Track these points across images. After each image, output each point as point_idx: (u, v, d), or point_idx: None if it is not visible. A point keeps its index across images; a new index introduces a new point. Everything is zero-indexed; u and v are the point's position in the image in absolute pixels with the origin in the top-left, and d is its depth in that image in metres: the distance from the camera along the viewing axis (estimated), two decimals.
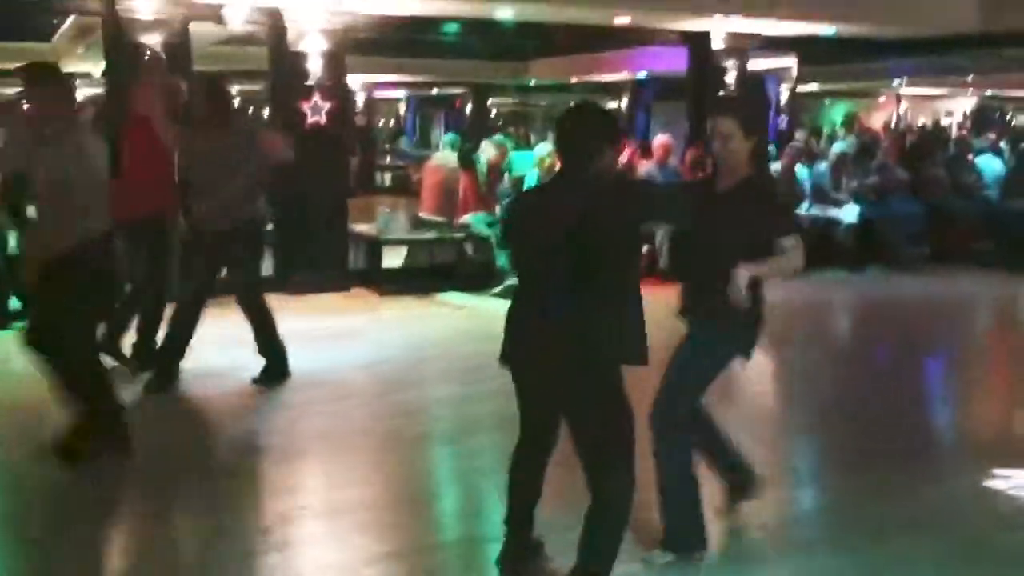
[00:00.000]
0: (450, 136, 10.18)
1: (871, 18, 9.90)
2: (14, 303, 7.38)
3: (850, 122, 17.78)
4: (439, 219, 9.38)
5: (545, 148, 9.79)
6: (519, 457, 3.47)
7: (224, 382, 6.05)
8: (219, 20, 8.35)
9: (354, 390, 5.99)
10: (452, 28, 12.91)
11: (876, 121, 19.48)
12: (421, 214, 9.69)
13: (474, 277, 9.07)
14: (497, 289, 8.82)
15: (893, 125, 18.25)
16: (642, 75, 15.58)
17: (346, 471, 4.77)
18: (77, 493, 4.38)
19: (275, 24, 8.57)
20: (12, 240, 7.71)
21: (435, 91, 22.57)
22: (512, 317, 3.32)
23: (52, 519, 4.15)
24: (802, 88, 16.83)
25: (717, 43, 10.47)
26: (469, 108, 21.06)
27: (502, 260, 8.85)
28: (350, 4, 8.56)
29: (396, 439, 5.16)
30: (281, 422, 5.48)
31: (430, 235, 9.29)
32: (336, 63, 8.81)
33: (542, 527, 3.56)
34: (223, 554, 3.80)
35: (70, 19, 10.45)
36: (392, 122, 25.93)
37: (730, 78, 10.64)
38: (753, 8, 9.44)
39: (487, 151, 9.51)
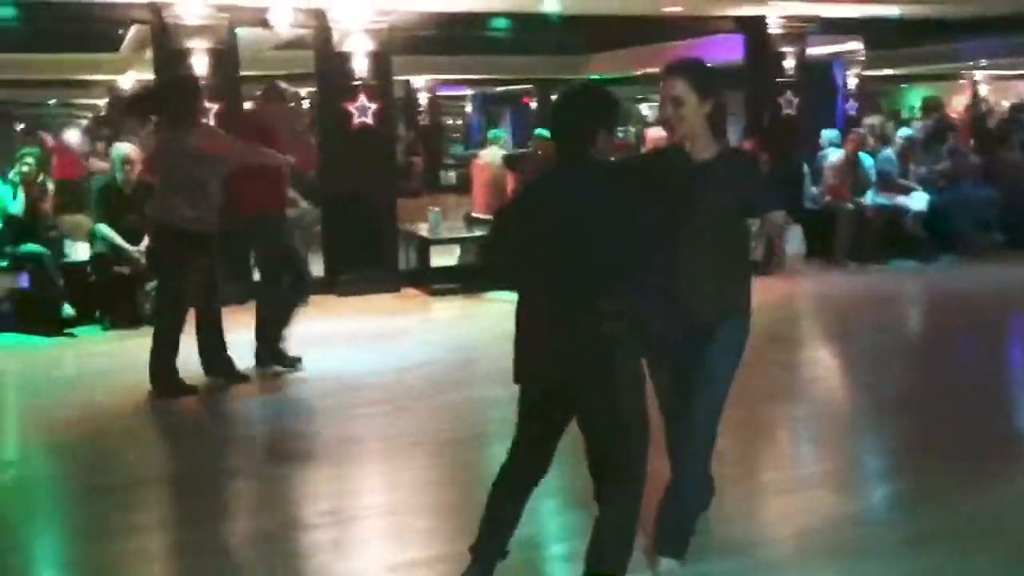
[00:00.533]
0: (495, 132, 10.07)
1: None
2: (67, 311, 7.52)
3: (928, 107, 17.17)
4: (489, 217, 9.28)
5: None
6: (508, 485, 3.15)
7: (270, 383, 6.07)
8: (265, 24, 8.38)
9: (398, 392, 5.90)
10: (512, 24, 12.82)
11: (956, 105, 18.78)
12: (473, 213, 9.62)
13: None
14: None
15: (971, 108, 17.52)
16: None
17: (379, 475, 4.71)
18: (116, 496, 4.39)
19: (320, 26, 8.58)
20: (70, 249, 7.89)
21: (499, 88, 22.53)
22: (525, 326, 3.06)
23: (85, 523, 4.17)
24: (877, 72, 16.33)
25: (774, 28, 10.14)
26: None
27: None
28: (393, 3, 8.51)
29: (439, 443, 5.04)
30: (319, 425, 5.43)
31: (479, 233, 9.19)
32: (382, 63, 8.78)
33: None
34: (260, 554, 3.77)
35: (132, 28, 10.65)
36: (459, 120, 26.00)
37: (788, 64, 10.28)
38: None
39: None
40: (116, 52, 12.71)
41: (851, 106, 13.61)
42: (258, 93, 6.57)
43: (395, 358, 6.65)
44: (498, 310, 8.35)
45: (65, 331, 7.37)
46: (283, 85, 6.31)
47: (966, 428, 5.01)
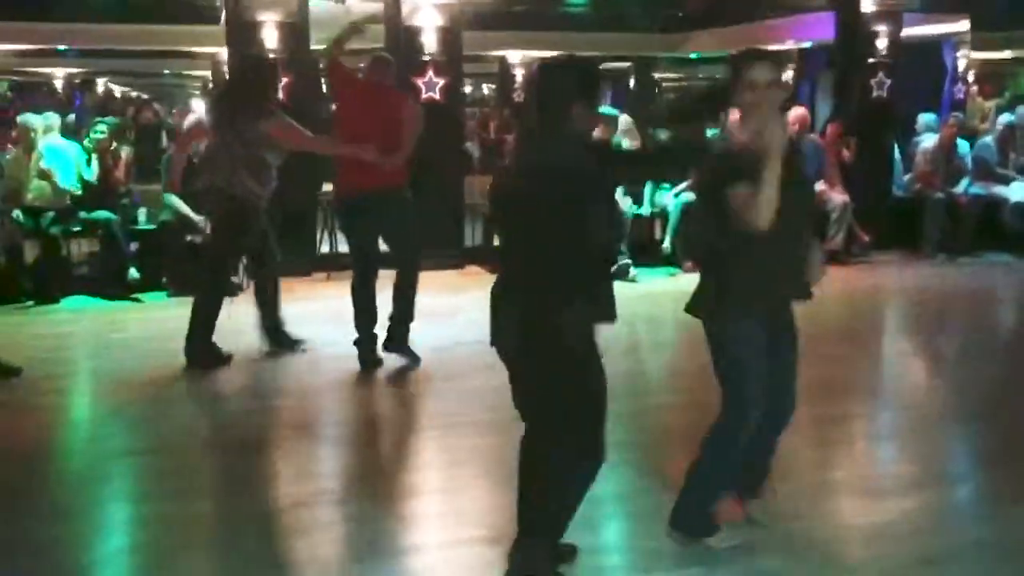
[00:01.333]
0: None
1: None
2: (133, 274, 7.75)
3: None
4: None
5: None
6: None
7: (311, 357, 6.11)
8: None
9: (422, 374, 5.87)
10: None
11: None
12: None
13: None
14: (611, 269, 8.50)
15: None
16: (807, 44, 14.70)
17: (380, 457, 4.70)
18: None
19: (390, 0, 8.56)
20: (142, 215, 8.12)
21: (600, 66, 22.21)
22: (494, 297, 3.10)
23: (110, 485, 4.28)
24: (995, 55, 15.41)
25: (867, 5, 9.64)
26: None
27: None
28: None
29: (450, 425, 5.00)
30: (340, 403, 5.45)
31: None
32: (451, 38, 8.71)
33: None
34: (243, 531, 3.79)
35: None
36: None
37: (882, 43, 9.77)
38: None
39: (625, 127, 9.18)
40: (217, 25, 12.99)
41: (959, 89, 12.89)
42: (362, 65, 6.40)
43: (436, 337, 6.60)
44: None
45: (132, 295, 7.60)
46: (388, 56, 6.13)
47: None
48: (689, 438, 3.58)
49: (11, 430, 4.91)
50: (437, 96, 8.74)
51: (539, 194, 2.89)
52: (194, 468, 4.46)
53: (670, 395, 5.66)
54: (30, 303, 7.39)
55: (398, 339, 5.87)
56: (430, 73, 8.70)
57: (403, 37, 8.62)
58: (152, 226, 7.93)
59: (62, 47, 15.73)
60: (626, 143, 9.31)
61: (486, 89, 23.24)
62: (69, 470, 4.52)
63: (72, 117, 11.16)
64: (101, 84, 21.42)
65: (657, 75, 21.80)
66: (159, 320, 7.16)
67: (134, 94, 22.90)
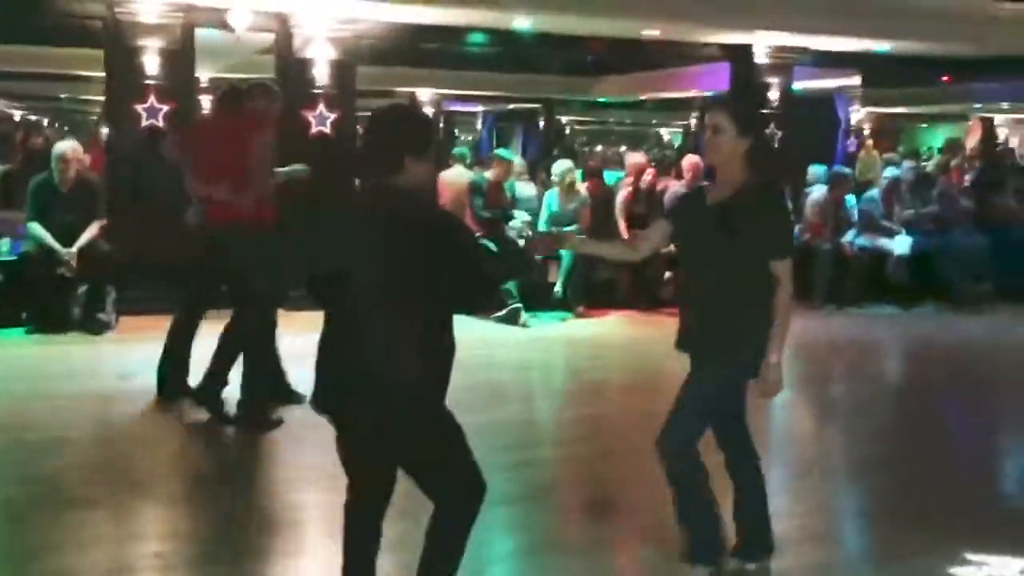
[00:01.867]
0: (460, 150, 9.75)
1: (927, 35, 9.09)
2: None
3: (950, 147, 16.68)
4: None
5: (563, 165, 9.30)
6: (358, 521, 3.00)
7: None
8: (225, 26, 8.15)
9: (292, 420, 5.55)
10: (522, 40, 12.53)
11: (969, 144, 18.30)
12: None
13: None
14: (500, 314, 8.35)
15: (982, 149, 17.03)
16: (710, 93, 14.96)
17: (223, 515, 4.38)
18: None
19: (282, 31, 8.34)
20: (4, 246, 7.64)
21: (511, 106, 22.27)
22: (325, 354, 2.88)
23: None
24: (889, 110, 15.92)
25: (760, 58, 9.79)
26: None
27: (509, 283, 8.38)
28: (358, 11, 8.26)
29: (301, 479, 4.72)
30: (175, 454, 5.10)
31: None
32: (344, 72, 8.52)
33: None
34: None
35: None
36: (470, 136, 25.76)
37: (774, 95, 9.92)
38: (794, 20, 8.77)
39: (558, 169, 9.10)
40: None
41: (852, 142, 13.23)
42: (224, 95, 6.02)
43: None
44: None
45: None
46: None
47: (933, 492, 4.70)
48: (581, 489, 3.42)
49: None
50: (327, 130, 8.51)
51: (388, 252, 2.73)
52: (29, 524, 4.10)
53: (562, 447, 5.51)
54: None
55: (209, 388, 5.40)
56: (321, 107, 8.48)
57: (294, 69, 8.39)
58: (12, 258, 7.47)
59: None
60: (519, 186, 9.24)
61: None
62: None
63: None
64: None
65: (566, 118, 21.96)
66: (9, 358, 6.73)
67: (33, 117, 22.11)
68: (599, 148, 21.67)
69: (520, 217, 8.73)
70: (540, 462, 5.10)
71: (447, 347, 2.87)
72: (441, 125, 24.16)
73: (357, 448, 2.92)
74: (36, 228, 7.31)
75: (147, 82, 7.91)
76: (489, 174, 8.74)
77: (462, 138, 25.25)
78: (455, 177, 9.27)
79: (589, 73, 17.35)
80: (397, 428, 2.82)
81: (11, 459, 4.89)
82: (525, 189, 9.36)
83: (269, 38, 8.42)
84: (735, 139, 3.22)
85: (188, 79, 8.14)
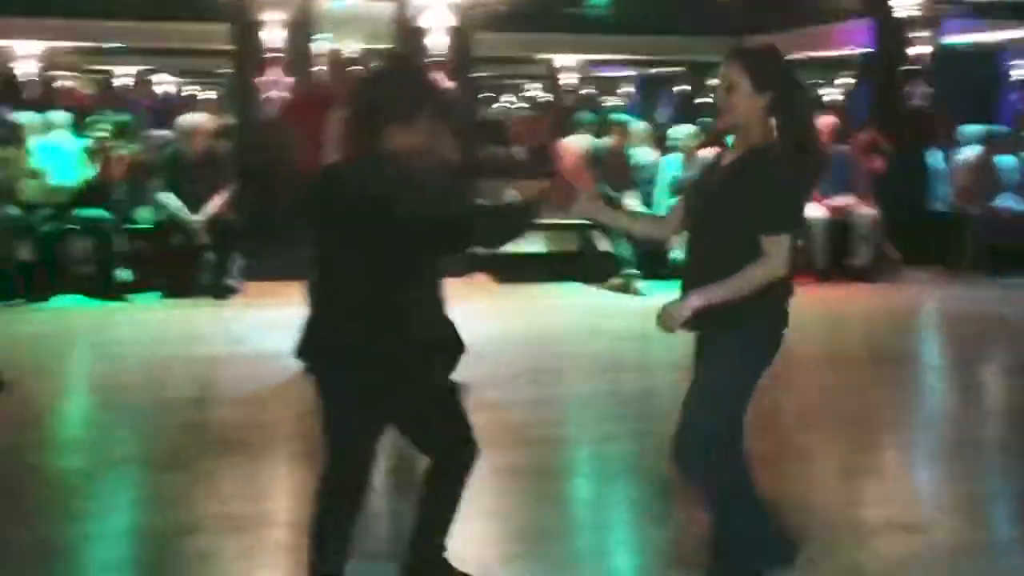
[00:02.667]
0: (583, 116, 9.54)
1: None
2: (125, 274, 7.69)
3: None
4: None
5: (685, 130, 8.99)
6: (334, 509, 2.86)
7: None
8: None
9: None
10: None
11: None
12: None
13: (598, 267, 8.48)
14: (614, 282, 8.18)
15: None
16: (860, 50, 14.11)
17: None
18: None
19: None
20: (145, 215, 8.04)
21: (654, 70, 21.78)
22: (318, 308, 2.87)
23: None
24: None
25: (901, 11, 9.12)
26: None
27: (620, 249, 8.20)
28: None
29: None
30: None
31: (555, 220, 8.76)
32: (463, 39, 8.48)
33: None
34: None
35: None
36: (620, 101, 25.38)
37: (919, 50, 9.23)
38: None
39: (678, 133, 8.87)
40: None
41: (1018, 99, 12.18)
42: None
43: None
44: (550, 304, 8.00)
45: (122, 296, 7.53)
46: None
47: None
48: None
49: None
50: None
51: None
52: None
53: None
54: (21, 301, 7.36)
55: None
56: (439, 76, 8.46)
57: (411, 37, 8.41)
58: (148, 226, 7.86)
59: (119, 45, 15.92)
60: (642, 152, 8.98)
61: (540, 92, 23.00)
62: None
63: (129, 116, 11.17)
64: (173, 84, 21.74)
65: (712, 81, 21.26)
66: (140, 323, 7.08)
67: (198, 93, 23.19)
68: None
69: (629, 197, 8.44)
70: (657, 434, 4.92)
71: (431, 299, 2.79)
72: (591, 91, 23.97)
73: (346, 406, 2.80)
74: (167, 197, 7.66)
75: (269, 55, 8.09)
76: (607, 140, 8.53)
77: (609, 104, 24.96)
78: (575, 144, 9.11)
79: (734, 33, 16.73)
80: (395, 378, 2.76)
81: (137, 417, 5.15)
82: (648, 155, 9.09)
83: (389, 7, 8.46)
84: (751, 96, 2.84)
85: (308, 50, 8.28)
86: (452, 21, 8.46)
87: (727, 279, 2.81)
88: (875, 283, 8.67)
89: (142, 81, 19.19)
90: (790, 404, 5.31)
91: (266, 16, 8.15)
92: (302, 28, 8.26)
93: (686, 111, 19.29)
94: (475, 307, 6.64)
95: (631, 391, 5.65)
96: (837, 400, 5.53)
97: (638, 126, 9.26)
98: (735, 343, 2.92)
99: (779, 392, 5.59)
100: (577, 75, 20.12)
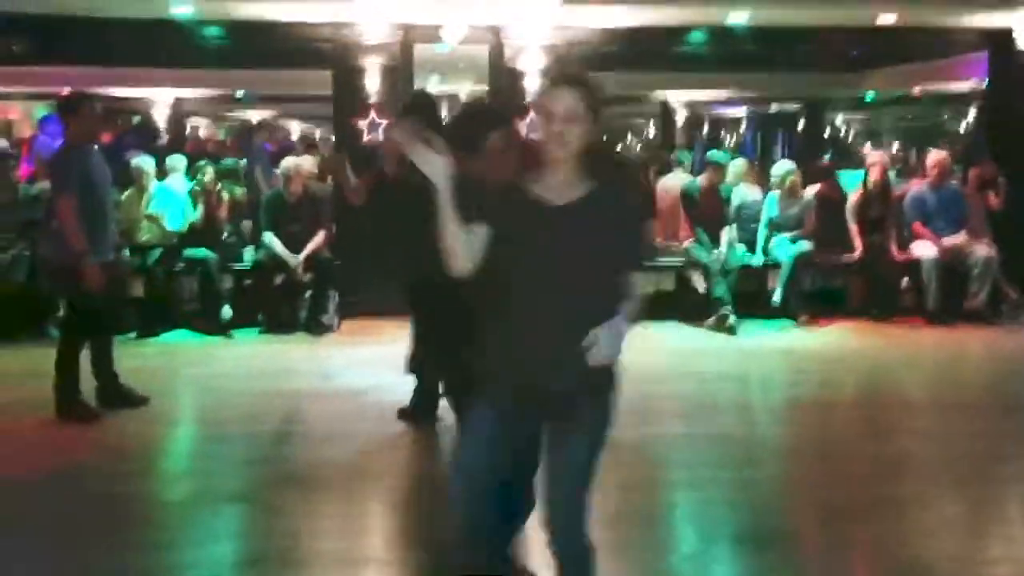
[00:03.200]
0: (681, 154, 9.42)
1: None
2: (227, 312, 7.98)
3: None
4: (672, 244, 8.71)
5: (784, 167, 8.78)
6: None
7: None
8: (440, 41, 8.43)
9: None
10: (779, 37, 11.99)
11: None
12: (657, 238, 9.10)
13: (694, 308, 8.32)
14: (710, 322, 8.00)
15: None
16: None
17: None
18: None
19: (494, 42, 8.50)
20: (248, 254, 8.34)
21: (772, 107, 21.40)
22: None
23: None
24: None
25: None
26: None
27: (720, 290, 8.02)
28: (570, 19, 8.25)
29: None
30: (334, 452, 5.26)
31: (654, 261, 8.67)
32: None
33: None
34: None
35: None
36: (734, 140, 25.04)
37: None
38: None
39: (778, 170, 8.71)
40: None
41: None
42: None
43: None
44: (645, 343, 7.82)
45: (225, 332, 7.82)
46: None
47: None
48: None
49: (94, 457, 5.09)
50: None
51: None
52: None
53: (778, 465, 5.18)
54: (133, 336, 7.72)
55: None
56: (532, 116, 8.53)
57: (505, 80, 8.52)
58: (247, 265, 8.15)
59: (243, 92, 16.73)
60: (741, 190, 8.81)
61: (652, 131, 22.92)
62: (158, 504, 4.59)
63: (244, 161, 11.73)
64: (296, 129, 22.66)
65: (838, 116, 20.75)
66: (239, 358, 7.31)
67: (316, 134, 24.07)
68: (868, 147, 20.26)
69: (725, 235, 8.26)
70: (757, 481, 4.79)
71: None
72: (706, 129, 23.76)
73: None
74: (268, 237, 7.93)
75: (368, 99, 8.33)
76: (702, 179, 8.41)
77: (727, 142, 24.62)
78: (674, 181, 9.01)
79: (854, 68, 16.30)
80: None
81: (238, 448, 5.32)
82: (748, 193, 8.91)
83: (483, 50, 8.60)
84: (589, 125, 2.64)
85: (407, 95, 8.46)
86: (545, 63, 8.52)
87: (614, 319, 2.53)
88: (993, 325, 8.24)
89: (266, 126, 20.11)
90: (909, 453, 5.17)
91: (367, 62, 8.38)
92: (401, 72, 8.45)
93: (803, 148, 18.92)
94: None
95: (726, 434, 5.51)
96: (956, 448, 5.27)
97: (737, 164, 9.09)
98: (612, 404, 2.73)
99: (897, 440, 5.43)
100: (691, 113, 20.00)
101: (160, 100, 15.90)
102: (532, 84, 8.51)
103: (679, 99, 19.10)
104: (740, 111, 22.65)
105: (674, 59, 14.02)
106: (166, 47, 10.25)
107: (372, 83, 8.39)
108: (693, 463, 5.08)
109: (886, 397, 6.48)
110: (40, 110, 18.50)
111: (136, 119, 18.22)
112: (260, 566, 3.80)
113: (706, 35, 9.39)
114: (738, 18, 8.45)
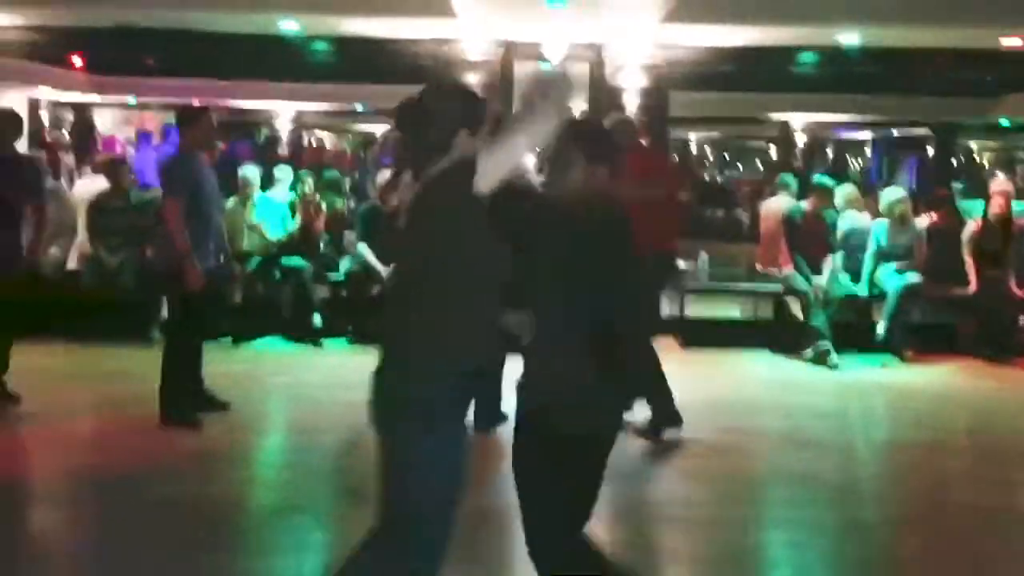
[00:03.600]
0: (784, 178, 9.09)
1: None
2: (319, 321, 8.11)
3: None
4: (771, 270, 8.42)
5: (893, 195, 8.37)
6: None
7: None
8: (540, 58, 8.41)
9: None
10: (906, 58, 11.53)
11: None
12: (757, 264, 8.82)
13: (792, 338, 8.00)
14: (807, 354, 7.68)
15: None
16: None
17: None
18: None
19: (596, 60, 8.43)
20: (345, 265, 8.46)
21: (897, 131, 20.61)
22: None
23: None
24: None
25: None
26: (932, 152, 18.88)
27: (818, 321, 7.70)
28: (672, 37, 8.10)
29: None
30: None
31: (754, 287, 8.41)
32: (655, 99, 8.39)
33: None
34: None
35: None
36: (860, 165, 24.23)
37: None
38: None
39: (886, 198, 8.35)
40: None
41: None
42: None
43: None
44: (737, 373, 7.58)
45: (315, 340, 7.94)
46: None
47: None
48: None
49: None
50: None
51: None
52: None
53: (884, 511, 4.90)
54: (228, 341, 7.92)
55: None
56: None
57: (604, 98, 8.43)
58: (340, 277, 8.26)
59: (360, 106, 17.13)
60: (849, 217, 8.45)
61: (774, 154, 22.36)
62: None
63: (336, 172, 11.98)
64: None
65: (963, 144, 19.82)
66: (327, 367, 7.40)
67: None
68: (998, 176, 19.25)
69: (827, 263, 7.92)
70: (859, 526, 4.56)
71: None
72: (828, 152, 23.05)
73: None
74: (362, 248, 8.03)
75: None
76: (806, 204, 8.09)
77: (853, 167, 23.81)
78: (777, 205, 8.71)
79: (989, 93, 15.53)
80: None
81: (313, 457, 5.38)
82: (858, 219, 8.53)
83: (584, 68, 8.54)
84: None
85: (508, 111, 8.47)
86: (645, 82, 8.39)
87: None
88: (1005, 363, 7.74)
89: (384, 140, 20.51)
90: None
91: (467, 79, 8.42)
92: (500, 90, 8.46)
93: (931, 175, 18.12)
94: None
95: (811, 474, 5.23)
96: None
97: (846, 189, 8.73)
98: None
99: (1006, 493, 5.09)
100: (812, 136, 19.44)
101: (282, 113, 16.47)
102: (632, 102, 8.40)
103: (799, 122, 18.61)
104: (865, 135, 21.92)
105: (791, 79, 13.65)
106: (287, 61, 10.55)
107: None
108: (780, 502, 4.90)
109: (996, 444, 6.04)
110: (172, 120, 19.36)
111: (263, 131, 18.91)
112: None
113: (825, 55, 9.03)
114: (849, 38, 8.13)
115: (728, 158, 27.54)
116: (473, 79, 8.46)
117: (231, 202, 8.49)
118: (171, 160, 5.96)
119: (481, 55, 8.42)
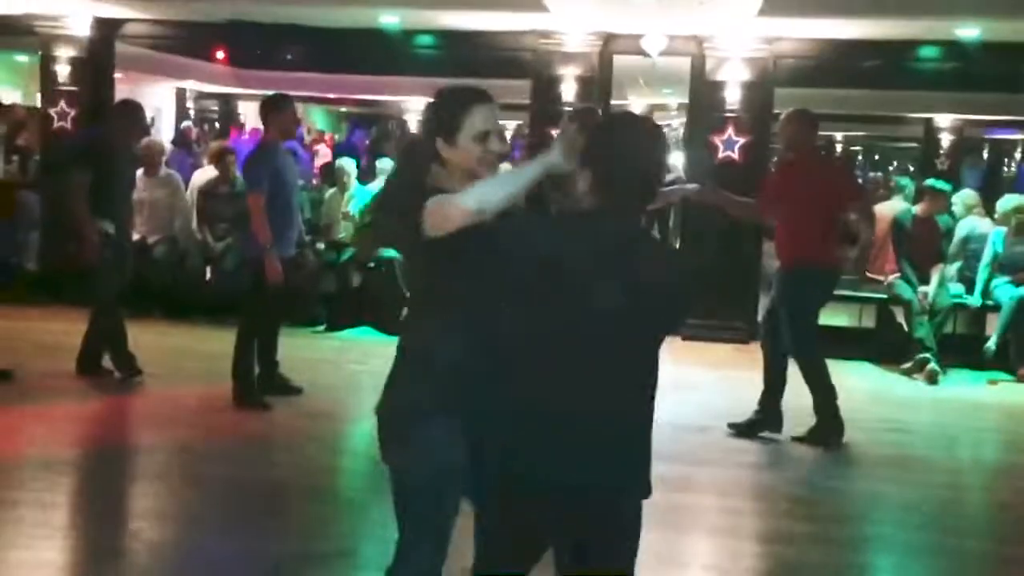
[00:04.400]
0: (901, 180, 8.56)
1: None
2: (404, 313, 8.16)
3: None
4: (878, 276, 7.98)
5: (1012, 201, 7.78)
6: None
7: None
8: (640, 51, 8.23)
9: None
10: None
11: None
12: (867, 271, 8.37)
13: (895, 348, 7.56)
14: (908, 366, 7.24)
15: None
16: None
17: None
18: None
19: (698, 53, 8.17)
20: None
21: None
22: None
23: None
24: None
25: None
26: None
27: (921, 331, 7.24)
28: (775, 30, 7.78)
29: None
30: None
31: (858, 293, 7.98)
32: (760, 94, 8.07)
33: None
34: None
35: None
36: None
37: None
38: None
39: (1003, 205, 7.83)
40: None
41: None
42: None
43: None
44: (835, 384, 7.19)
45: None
46: None
47: None
48: None
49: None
50: (735, 155, 8.12)
51: None
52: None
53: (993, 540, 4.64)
54: (322, 328, 8.10)
55: None
56: (729, 131, 8.13)
57: (705, 93, 8.16)
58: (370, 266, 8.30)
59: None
60: (968, 223, 7.92)
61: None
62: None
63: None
64: None
65: None
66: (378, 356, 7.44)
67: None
68: None
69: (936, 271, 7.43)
70: (965, 553, 4.33)
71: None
72: (984, 155, 21.74)
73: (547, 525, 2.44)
74: None
75: (564, 108, 8.25)
76: (918, 209, 7.62)
77: (1008, 169, 22.34)
78: (889, 209, 8.23)
79: None
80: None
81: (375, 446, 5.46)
82: (978, 226, 7.98)
83: (684, 62, 8.30)
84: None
85: (604, 105, 8.33)
86: (748, 76, 8.08)
87: None
88: None
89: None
90: None
91: (564, 72, 8.31)
92: (600, 84, 8.33)
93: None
94: (748, 377, 6.23)
95: (914, 494, 4.98)
96: None
97: (966, 194, 8.19)
98: None
99: None
100: (957, 136, 18.35)
101: (412, 108, 16.75)
102: (733, 96, 8.10)
103: (945, 121, 17.57)
104: (1018, 135, 20.57)
105: (942, 76, 12.87)
106: (404, 55, 10.61)
107: (569, 93, 8.29)
108: (878, 522, 4.72)
109: None
110: (313, 113, 20.00)
111: (392, 124, 19.28)
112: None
113: (948, 49, 8.44)
114: (968, 32, 7.60)
115: (878, 159, 26.36)
116: (569, 72, 8.33)
117: (329, 192, 8.70)
118: (253, 154, 6.07)
119: (578, 47, 8.27)
